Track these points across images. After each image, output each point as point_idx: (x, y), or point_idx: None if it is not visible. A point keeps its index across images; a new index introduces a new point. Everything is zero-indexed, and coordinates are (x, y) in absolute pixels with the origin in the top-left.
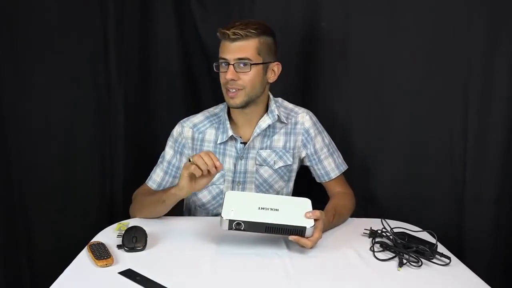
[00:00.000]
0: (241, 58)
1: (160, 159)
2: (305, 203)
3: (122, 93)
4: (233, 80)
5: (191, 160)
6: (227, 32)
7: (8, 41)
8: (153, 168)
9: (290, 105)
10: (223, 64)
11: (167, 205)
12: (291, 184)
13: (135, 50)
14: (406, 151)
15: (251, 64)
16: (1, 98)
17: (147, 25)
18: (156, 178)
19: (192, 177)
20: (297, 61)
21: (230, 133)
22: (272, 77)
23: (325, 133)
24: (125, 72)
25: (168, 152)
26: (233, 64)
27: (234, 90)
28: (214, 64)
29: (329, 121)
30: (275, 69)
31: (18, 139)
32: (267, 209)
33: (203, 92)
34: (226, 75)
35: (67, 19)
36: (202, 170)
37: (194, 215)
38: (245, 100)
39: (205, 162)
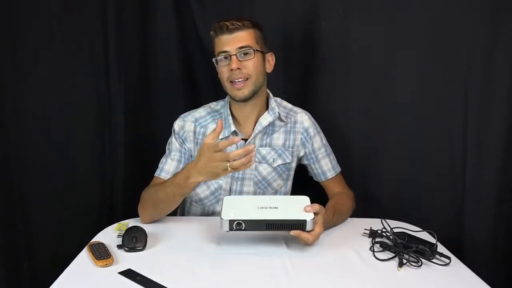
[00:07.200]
0: (243, 46)
1: (167, 151)
2: (304, 200)
3: (122, 93)
4: (238, 69)
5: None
6: (226, 23)
7: (8, 41)
8: (153, 167)
9: (289, 105)
10: (223, 58)
11: (189, 185)
12: (290, 183)
13: (135, 50)
14: (406, 151)
15: (254, 50)
16: (1, 98)
17: (147, 25)
18: (169, 168)
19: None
20: (297, 61)
21: (233, 128)
22: (269, 67)
23: (322, 134)
24: (125, 72)
25: (175, 142)
26: (235, 54)
27: (240, 81)
28: (214, 59)
29: (329, 121)
30: (270, 59)
31: (18, 139)
32: (266, 207)
33: (203, 92)
34: (231, 65)
35: (67, 19)
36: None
37: (188, 211)
38: (252, 89)
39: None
